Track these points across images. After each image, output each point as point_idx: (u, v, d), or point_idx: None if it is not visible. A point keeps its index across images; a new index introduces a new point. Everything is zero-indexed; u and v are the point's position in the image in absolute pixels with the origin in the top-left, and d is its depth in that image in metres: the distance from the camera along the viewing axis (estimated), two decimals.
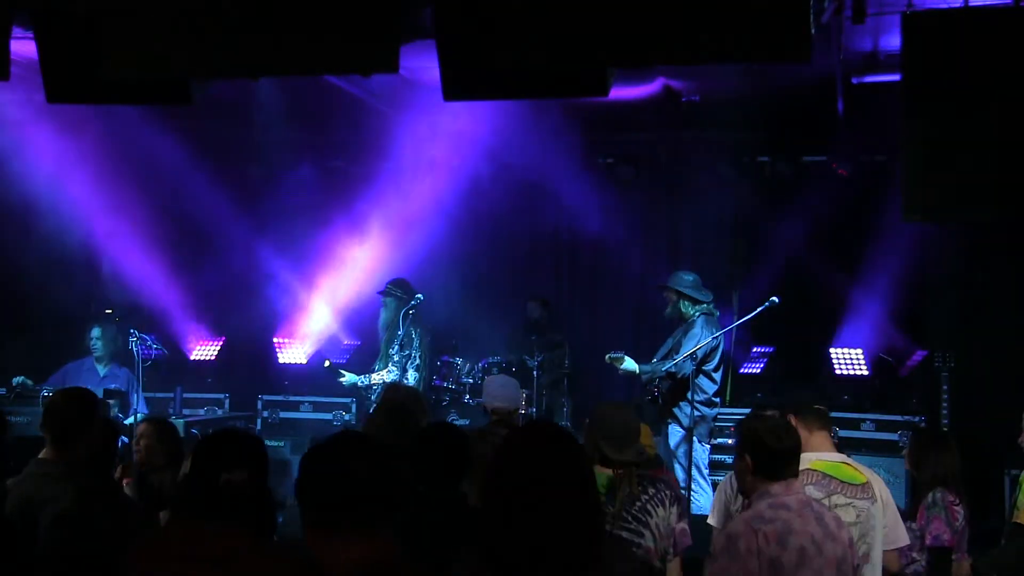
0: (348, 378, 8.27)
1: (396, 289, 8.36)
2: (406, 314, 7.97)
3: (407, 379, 8.04)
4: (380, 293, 8.52)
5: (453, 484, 3.86)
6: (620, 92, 7.71)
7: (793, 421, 4.22)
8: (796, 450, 3.59)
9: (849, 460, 4.23)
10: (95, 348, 8.15)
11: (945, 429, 7.34)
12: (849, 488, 4.06)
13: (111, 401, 7.43)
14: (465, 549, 2.64)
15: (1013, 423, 5.49)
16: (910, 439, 5.41)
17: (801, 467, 4.06)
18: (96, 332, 8.18)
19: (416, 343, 8.13)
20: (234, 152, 9.82)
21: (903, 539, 4.25)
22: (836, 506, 4.00)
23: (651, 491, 4.02)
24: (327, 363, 8.44)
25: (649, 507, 3.98)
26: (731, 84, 7.78)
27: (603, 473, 3.93)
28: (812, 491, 4.00)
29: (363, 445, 2.70)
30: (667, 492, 4.07)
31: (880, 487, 4.15)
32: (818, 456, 4.15)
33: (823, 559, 3.32)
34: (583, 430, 4.19)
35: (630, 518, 3.94)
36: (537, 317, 9.70)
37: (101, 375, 8.08)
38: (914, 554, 4.89)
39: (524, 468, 2.49)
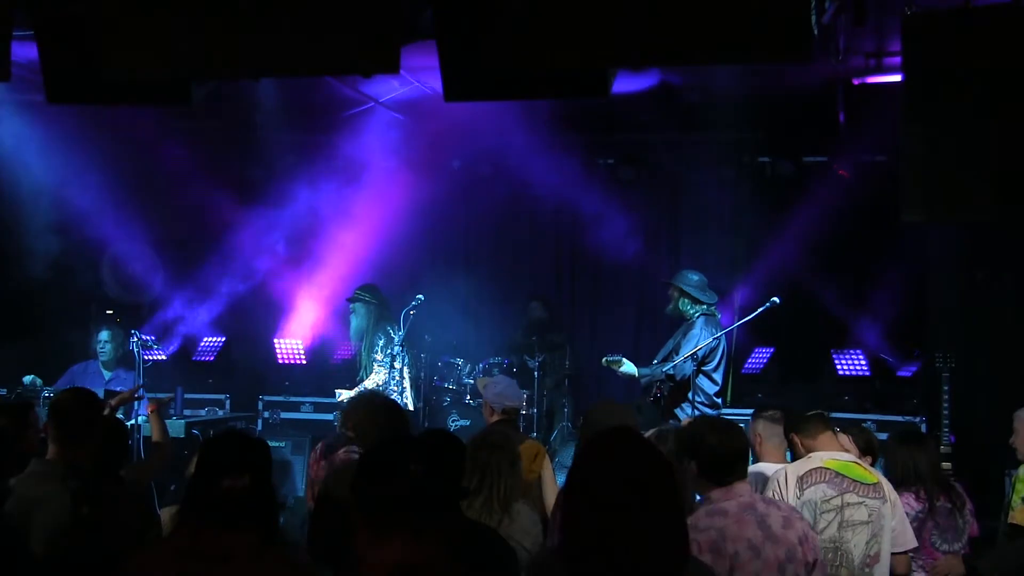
0: (346, 395, 7.79)
1: (365, 294, 8.06)
2: (407, 315, 7.78)
3: (404, 377, 7.78)
4: (348, 300, 8.16)
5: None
6: (620, 90, 7.70)
7: (796, 439, 4.26)
8: (743, 452, 3.50)
9: (859, 460, 4.24)
10: (103, 352, 8.02)
11: (946, 429, 7.34)
12: (861, 487, 4.05)
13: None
14: (545, 560, 2.54)
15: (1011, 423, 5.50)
16: (889, 438, 5.39)
17: (813, 465, 4.10)
18: (105, 335, 8.05)
19: (397, 341, 7.73)
20: (234, 152, 9.82)
21: (911, 542, 4.24)
22: (848, 504, 4.01)
23: None
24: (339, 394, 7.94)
25: None
26: (731, 84, 7.77)
27: None
28: (825, 489, 4.01)
29: (421, 448, 2.67)
30: None
31: (889, 488, 4.17)
32: (830, 455, 4.14)
33: (760, 562, 3.25)
34: (578, 431, 4.27)
35: None
36: (540, 316, 9.69)
37: (107, 379, 7.94)
38: None
39: (612, 477, 2.28)
